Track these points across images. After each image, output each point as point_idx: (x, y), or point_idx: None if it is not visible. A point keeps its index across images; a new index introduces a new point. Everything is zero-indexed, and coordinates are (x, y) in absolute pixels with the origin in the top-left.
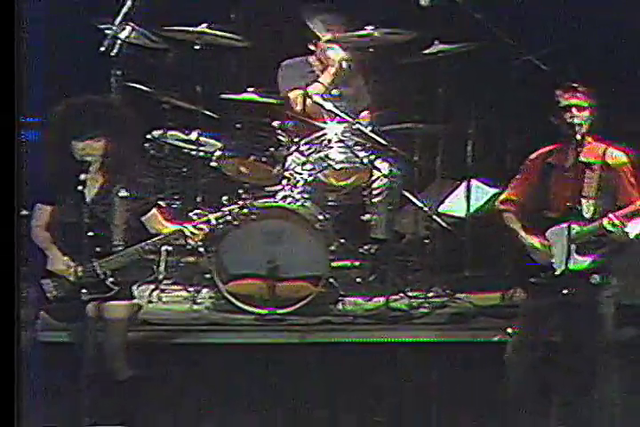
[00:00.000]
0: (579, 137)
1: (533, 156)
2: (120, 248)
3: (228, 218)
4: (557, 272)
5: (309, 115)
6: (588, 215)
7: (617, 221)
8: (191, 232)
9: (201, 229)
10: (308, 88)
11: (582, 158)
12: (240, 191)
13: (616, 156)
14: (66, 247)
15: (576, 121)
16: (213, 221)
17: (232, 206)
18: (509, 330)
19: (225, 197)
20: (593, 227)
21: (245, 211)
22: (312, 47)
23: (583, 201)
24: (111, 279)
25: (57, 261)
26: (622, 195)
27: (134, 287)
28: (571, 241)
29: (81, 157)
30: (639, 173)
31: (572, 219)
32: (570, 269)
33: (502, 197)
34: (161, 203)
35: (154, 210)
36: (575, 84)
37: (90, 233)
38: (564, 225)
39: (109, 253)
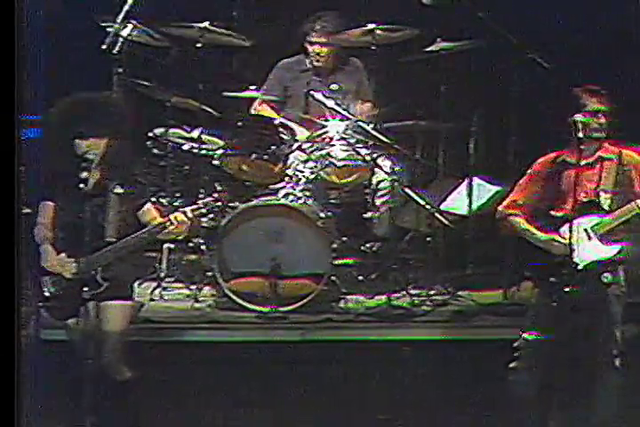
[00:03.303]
0: (599, 143)
1: (542, 159)
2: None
3: (204, 211)
4: (580, 266)
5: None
6: (606, 208)
7: None
8: (171, 223)
9: (182, 222)
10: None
11: (600, 153)
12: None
13: (631, 154)
14: (63, 244)
15: (601, 127)
16: (190, 214)
17: (207, 200)
18: (526, 335)
19: (201, 189)
20: (622, 212)
21: (220, 204)
22: (307, 45)
23: (601, 194)
24: (101, 275)
25: (51, 259)
26: None
27: (135, 286)
28: (594, 232)
29: (84, 154)
30: None
31: (592, 211)
32: (594, 262)
33: (506, 201)
34: (162, 200)
35: (148, 204)
36: (601, 89)
37: (86, 229)
38: (584, 218)
39: (101, 248)
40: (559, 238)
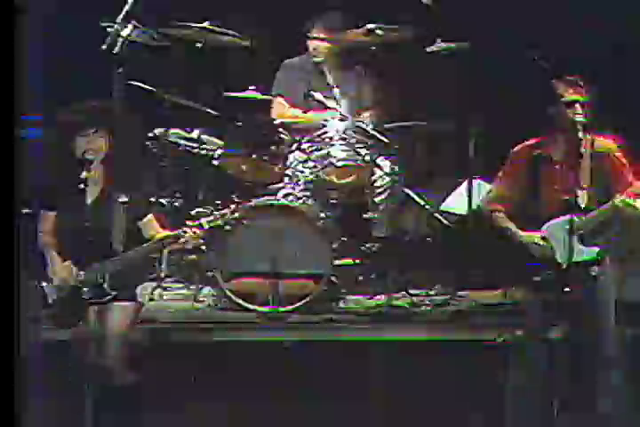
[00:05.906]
0: (581, 134)
1: (517, 149)
2: (119, 252)
3: (220, 222)
4: (563, 266)
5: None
6: (583, 205)
7: (629, 199)
8: (183, 237)
9: (194, 234)
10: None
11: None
12: (236, 193)
13: (604, 144)
14: (67, 252)
15: (578, 118)
16: (206, 226)
17: (224, 211)
18: (518, 332)
19: (218, 201)
20: (601, 211)
21: (237, 215)
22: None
23: (578, 191)
24: (108, 283)
25: (57, 267)
26: (618, 179)
27: (137, 290)
28: (573, 233)
29: (82, 154)
30: (628, 159)
31: (570, 211)
32: (575, 262)
33: (489, 196)
34: (162, 201)
35: (149, 215)
36: (578, 80)
37: (90, 237)
38: (563, 218)
39: (107, 257)
40: (541, 242)
